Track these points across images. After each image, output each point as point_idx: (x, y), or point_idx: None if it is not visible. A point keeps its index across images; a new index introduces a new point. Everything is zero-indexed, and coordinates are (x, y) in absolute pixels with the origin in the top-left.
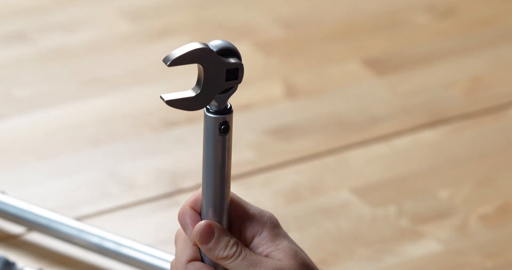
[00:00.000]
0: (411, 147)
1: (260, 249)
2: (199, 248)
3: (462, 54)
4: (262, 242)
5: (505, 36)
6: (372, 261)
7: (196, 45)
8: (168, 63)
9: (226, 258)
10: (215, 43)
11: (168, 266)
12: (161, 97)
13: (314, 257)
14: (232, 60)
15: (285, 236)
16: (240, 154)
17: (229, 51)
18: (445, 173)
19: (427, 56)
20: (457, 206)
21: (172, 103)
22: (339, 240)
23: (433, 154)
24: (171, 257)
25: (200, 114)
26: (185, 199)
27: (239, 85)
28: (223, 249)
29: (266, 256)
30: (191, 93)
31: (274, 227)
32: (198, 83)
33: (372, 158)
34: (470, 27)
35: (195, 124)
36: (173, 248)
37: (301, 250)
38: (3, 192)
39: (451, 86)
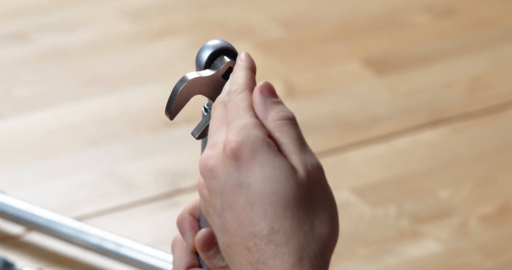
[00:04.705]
0: (411, 147)
1: None
2: (197, 255)
3: (462, 54)
4: None
5: (505, 36)
6: (372, 261)
7: (178, 84)
8: (169, 117)
9: (224, 267)
10: (212, 43)
11: (167, 266)
12: (192, 134)
13: None
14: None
15: None
16: None
17: (225, 51)
18: (445, 173)
19: (427, 56)
20: (457, 206)
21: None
22: (339, 240)
23: (433, 154)
24: (171, 257)
25: (199, 114)
26: (185, 199)
27: None
28: (223, 258)
29: None
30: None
31: None
32: (209, 105)
33: (372, 158)
34: (470, 27)
35: (195, 124)
36: None
37: None
38: (3, 192)
39: (451, 86)
